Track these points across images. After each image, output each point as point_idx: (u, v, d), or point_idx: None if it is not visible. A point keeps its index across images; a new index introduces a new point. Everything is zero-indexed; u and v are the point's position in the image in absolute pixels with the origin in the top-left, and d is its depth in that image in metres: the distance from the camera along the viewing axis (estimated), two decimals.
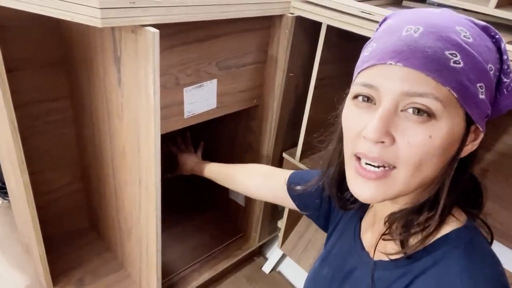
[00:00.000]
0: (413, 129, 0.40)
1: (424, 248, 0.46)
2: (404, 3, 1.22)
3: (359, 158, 0.45)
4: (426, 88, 0.39)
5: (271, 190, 0.84)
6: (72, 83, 1.01)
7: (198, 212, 1.42)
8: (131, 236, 1.04)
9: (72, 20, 0.64)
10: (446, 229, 0.46)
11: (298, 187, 0.73)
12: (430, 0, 1.18)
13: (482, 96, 0.42)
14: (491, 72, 0.42)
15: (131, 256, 1.09)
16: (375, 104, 0.43)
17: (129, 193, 0.95)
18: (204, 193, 1.46)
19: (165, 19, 0.71)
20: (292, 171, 0.81)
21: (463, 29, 0.41)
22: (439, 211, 0.45)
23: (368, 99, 0.43)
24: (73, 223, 1.23)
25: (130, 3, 0.63)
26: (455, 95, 0.40)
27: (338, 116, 0.52)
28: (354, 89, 0.45)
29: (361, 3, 0.87)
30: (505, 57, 0.43)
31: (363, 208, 0.62)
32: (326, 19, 0.91)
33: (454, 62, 0.39)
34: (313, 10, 0.92)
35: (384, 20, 0.48)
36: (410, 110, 0.40)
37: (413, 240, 0.47)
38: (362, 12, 0.82)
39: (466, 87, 0.40)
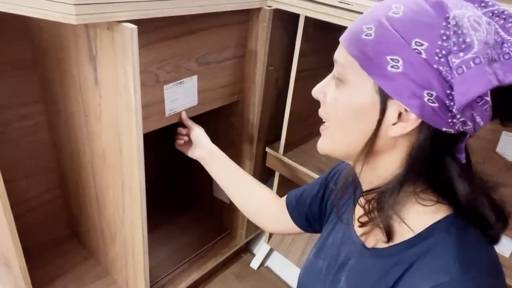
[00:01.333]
0: (331, 90, 0.49)
1: (416, 236, 0.47)
2: None
3: None
4: (339, 56, 0.47)
5: (283, 223, 0.81)
6: (44, 86, 0.96)
7: (182, 212, 1.40)
8: (115, 241, 1.01)
9: (45, 18, 0.61)
10: (437, 216, 0.47)
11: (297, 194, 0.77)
12: None
13: (394, 70, 0.41)
14: (420, 48, 0.39)
15: (116, 262, 1.06)
16: None
17: (112, 197, 0.92)
18: (187, 192, 1.44)
19: (142, 15, 0.69)
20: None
21: (399, 6, 0.42)
22: (391, 185, 0.46)
23: None
24: (52, 231, 1.19)
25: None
26: (357, 62, 0.44)
27: None
28: None
29: None
30: (451, 32, 0.39)
31: (355, 196, 0.62)
32: (304, 10, 0.90)
33: (366, 34, 0.43)
34: (291, 2, 0.92)
35: None
36: (334, 74, 0.49)
37: (398, 226, 0.48)
38: (340, 2, 0.82)
39: (370, 57, 0.43)
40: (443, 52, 0.39)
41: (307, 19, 0.92)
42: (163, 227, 1.32)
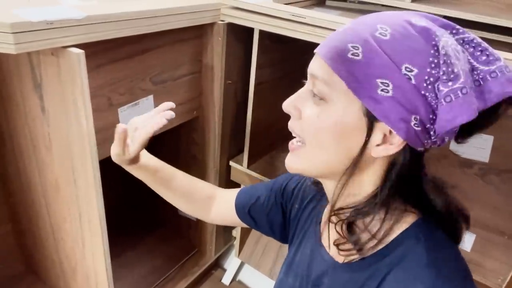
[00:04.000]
0: (308, 107, 0.46)
1: (386, 246, 0.47)
2: (328, 2, 1.26)
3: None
4: (321, 72, 0.44)
5: (219, 215, 0.77)
6: None
7: (147, 234, 1.34)
8: (76, 275, 0.95)
9: None
10: (403, 226, 0.47)
11: (249, 205, 0.72)
12: None
13: (383, 93, 0.41)
14: (410, 74, 0.40)
15: None
16: None
17: (69, 230, 0.86)
18: (151, 212, 1.39)
19: (88, 38, 0.65)
20: (236, 190, 0.76)
21: (384, 27, 0.42)
22: (376, 209, 0.46)
23: None
24: (6, 268, 1.10)
25: (47, 24, 0.57)
26: (344, 83, 0.42)
27: None
28: None
29: (291, 7, 0.87)
30: (441, 61, 0.40)
31: (319, 210, 0.62)
32: (258, 24, 0.90)
33: (353, 54, 0.42)
34: (244, 16, 0.91)
35: None
36: (312, 91, 0.46)
37: (367, 240, 0.48)
38: (293, 15, 0.82)
39: (357, 79, 0.41)
40: (431, 79, 0.40)
41: (262, 32, 0.92)
42: (127, 252, 1.26)
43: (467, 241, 0.92)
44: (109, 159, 0.80)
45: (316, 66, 0.45)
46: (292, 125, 0.49)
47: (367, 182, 0.47)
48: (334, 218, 0.50)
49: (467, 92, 0.39)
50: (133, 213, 1.40)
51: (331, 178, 0.49)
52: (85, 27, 0.64)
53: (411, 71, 0.40)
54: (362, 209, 0.47)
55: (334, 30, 0.79)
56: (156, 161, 0.74)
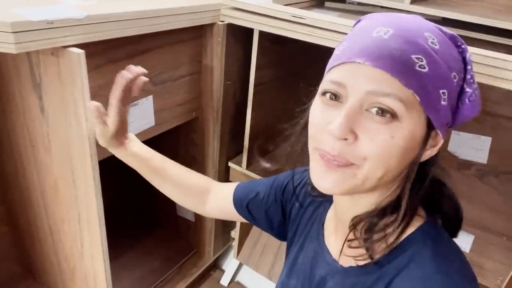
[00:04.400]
0: (376, 129, 0.41)
1: (393, 250, 0.47)
2: (326, 4, 1.27)
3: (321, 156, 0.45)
4: (390, 89, 0.40)
5: (216, 208, 0.76)
6: None
7: (145, 235, 1.34)
8: (75, 277, 0.94)
9: None
10: (411, 229, 0.47)
11: (248, 200, 0.71)
12: (350, 0, 1.23)
13: (443, 103, 0.42)
14: (455, 81, 0.43)
15: None
16: (341, 102, 0.43)
17: (68, 231, 0.86)
18: (149, 213, 1.38)
19: (89, 38, 0.65)
20: (234, 184, 0.75)
21: (431, 36, 0.42)
22: (401, 214, 0.46)
23: (336, 96, 0.43)
24: (4, 270, 1.09)
25: (48, 23, 0.56)
26: (417, 98, 0.40)
27: (306, 111, 0.51)
28: (323, 85, 0.45)
29: (291, 8, 0.87)
30: (469, 67, 0.44)
31: (322, 211, 0.62)
32: (258, 25, 0.90)
33: (420, 66, 0.40)
34: (244, 16, 0.91)
35: (358, 21, 0.50)
36: (374, 110, 0.41)
37: (379, 244, 0.48)
38: (293, 16, 0.82)
39: (428, 92, 0.41)
40: (461, 82, 0.44)
41: (262, 32, 0.92)
42: (126, 253, 1.25)
43: (466, 242, 0.93)
44: (107, 159, 0.80)
45: (377, 82, 0.40)
46: (342, 151, 0.42)
47: (391, 186, 0.47)
48: (353, 223, 0.50)
49: (478, 92, 0.46)
50: (131, 214, 1.40)
51: (367, 192, 0.47)
52: (86, 27, 0.64)
53: (455, 77, 0.43)
54: (387, 209, 0.47)
55: (335, 31, 0.80)
56: (149, 150, 0.74)
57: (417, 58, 0.40)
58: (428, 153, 0.45)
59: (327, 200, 0.61)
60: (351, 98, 0.41)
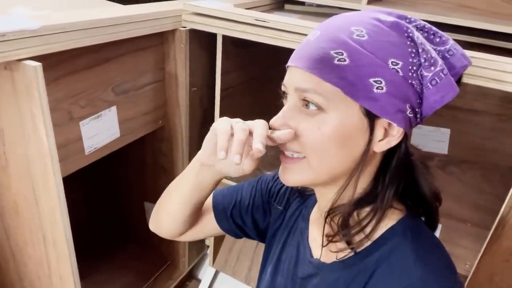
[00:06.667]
0: (304, 121, 0.45)
1: (374, 243, 0.48)
2: (286, 6, 1.28)
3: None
4: (309, 84, 0.44)
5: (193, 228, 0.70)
6: None
7: (117, 251, 1.29)
8: None
9: None
10: (391, 222, 0.48)
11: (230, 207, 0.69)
12: (309, 2, 1.25)
13: (379, 91, 0.42)
14: (397, 67, 0.43)
15: None
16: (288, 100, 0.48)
17: (32, 254, 0.81)
18: (119, 228, 1.33)
19: (45, 49, 0.62)
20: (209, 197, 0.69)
21: (359, 29, 0.43)
22: (375, 205, 0.47)
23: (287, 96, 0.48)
24: None
25: (0, 36, 0.53)
26: (339, 89, 0.42)
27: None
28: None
29: (253, 11, 0.88)
30: (420, 50, 0.43)
31: (306, 207, 0.61)
32: (221, 29, 0.89)
33: (339, 60, 0.43)
34: (206, 21, 0.90)
35: None
36: (303, 105, 0.45)
37: (358, 237, 0.49)
38: (256, 20, 0.82)
39: (351, 82, 0.42)
40: (414, 67, 0.43)
41: (225, 37, 0.91)
42: (98, 271, 1.20)
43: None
44: (71, 175, 0.76)
45: (300, 79, 0.44)
46: (290, 146, 0.47)
47: (363, 179, 0.48)
48: (329, 216, 0.50)
49: (447, 73, 0.44)
50: (100, 230, 1.34)
51: (332, 184, 0.49)
52: (41, 38, 0.60)
53: (397, 64, 0.43)
54: (361, 200, 0.48)
55: (298, 33, 0.81)
56: None
57: (336, 53, 0.43)
58: (384, 143, 0.45)
59: (312, 196, 0.61)
60: (289, 97, 0.47)
